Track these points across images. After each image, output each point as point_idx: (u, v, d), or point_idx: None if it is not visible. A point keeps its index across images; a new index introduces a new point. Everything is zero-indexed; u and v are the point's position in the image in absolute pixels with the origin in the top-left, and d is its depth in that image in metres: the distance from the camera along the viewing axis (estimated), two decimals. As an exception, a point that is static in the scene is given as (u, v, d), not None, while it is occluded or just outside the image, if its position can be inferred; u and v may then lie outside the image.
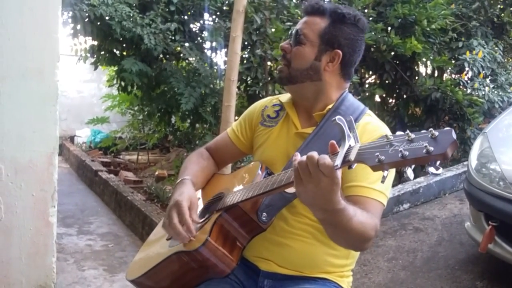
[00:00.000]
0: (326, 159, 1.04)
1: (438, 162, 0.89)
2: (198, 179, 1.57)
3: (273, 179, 1.23)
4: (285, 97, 1.58)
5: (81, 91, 9.69)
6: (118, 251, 3.85)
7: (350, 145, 1.02)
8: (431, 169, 0.90)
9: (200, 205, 1.54)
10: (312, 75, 1.44)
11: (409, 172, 0.93)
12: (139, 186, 5.56)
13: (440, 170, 0.90)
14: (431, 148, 0.87)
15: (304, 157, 1.07)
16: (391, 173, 1.35)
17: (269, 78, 4.74)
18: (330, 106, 1.44)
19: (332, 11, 1.43)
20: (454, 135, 0.88)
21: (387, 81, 5.30)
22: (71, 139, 9.31)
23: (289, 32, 1.51)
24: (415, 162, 0.90)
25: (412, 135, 0.92)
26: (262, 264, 1.44)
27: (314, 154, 1.06)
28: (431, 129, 0.90)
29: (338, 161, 1.01)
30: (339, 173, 1.05)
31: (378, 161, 0.93)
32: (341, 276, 1.46)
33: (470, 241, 3.16)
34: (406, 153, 0.89)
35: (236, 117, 3.29)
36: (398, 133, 0.96)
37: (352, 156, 0.99)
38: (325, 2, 1.48)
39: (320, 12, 1.44)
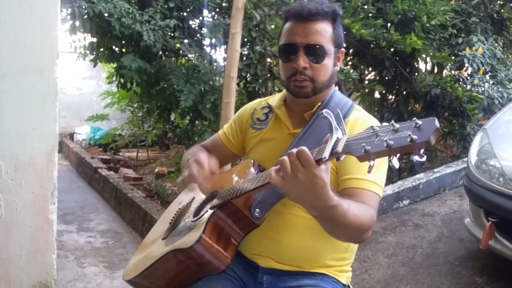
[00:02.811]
0: (306, 153, 1.05)
1: (422, 150, 0.91)
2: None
3: (264, 174, 1.24)
4: (274, 100, 1.58)
5: (81, 88, 9.68)
6: (118, 248, 3.86)
7: (337, 138, 1.03)
8: (416, 157, 0.92)
9: (195, 204, 1.55)
10: (332, 82, 1.46)
11: (395, 161, 0.95)
12: (139, 183, 5.57)
13: (424, 158, 0.92)
14: (415, 137, 0.89)
15: (285, 156, 1.08)
16: (384, 164, 1.36)
17: (269, 75, 4.73)
18: (319, 103, 1.46)
19: (332, 12, 1.41)
20: (437, 123, 0.90)
21: (386, 78, 5.30)
22: (71, 136, 9.31)
23: (291, 45, 1.40)
24: (400, 151, 0.92)
25: (397, 125, 0.94)
26: (261, 261, 1.44)
27: (294, 150, 1.07)
28: (415, 118, 0.92)
29: (326, 153, 1.02)
30: (324, 167, 1.06)
31: (364, 151, 0.95)
32: (340, 271, 1.46)
33: (470, 237, 3.17)
34: (391, 142, 0.91)
35: (236, 114, 3.29)
36: (384, 124, 0.98)
37: (339, 148, 1.01)
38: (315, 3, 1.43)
39: (324, 16, 1.40)
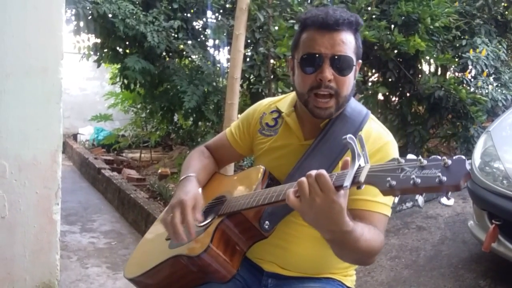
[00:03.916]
0: (325, 178, 1.02)
1: (449, 193, 0.88)
2: (201, 176, 1.55)
3: (278, 189, 1.21)
4: (283, 105, 1.52)
5: (84, 89, 9.70)
6: (121, 249, 3.86)
7: (360, 165, 1.00)
8: (443, 200, 0.90)
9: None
10: (351, 95, 1.39)
11: (420, 200, 0.93)
12: (142, 184, 5.57)
13: (452, 201, 0.89)
14: (444, 178, 0.86)
15: (304, 178, 1.05)
16: None
17: (272, 76, 4.73)
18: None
19: (355, 23, 1.33)
20: (467, 166, 0.87)
21: (390, 79, 5.29)
22: (74, 137, 9.33)
23: (316, 55, 1.30)
24: (426, 191, 0.89)
25: (424, 161, 0.90)
26: (266, 265, 1.44)
27: (313, 172, 1.04)
28: (444, 157, 0.88)
29: (348, 182, 0.99)
30: (343, 192, 1.04)
31: (389, 186, 0.92)
32: (345, 275, 1.46)
33: (473, 239, 3.16)
34: (418, 180, 0.88)
35: (239, 115, 3.29)
36: (409, 156, 0.95)
37: (362, 178, 0.98)
38: (337, 10, 1.34)
39: (348, 27, 1.31)
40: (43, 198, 2.50)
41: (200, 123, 5.92)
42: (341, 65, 1.30)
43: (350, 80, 1.34)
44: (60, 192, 2.55)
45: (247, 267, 1.44)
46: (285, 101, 1.54)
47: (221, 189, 1.50)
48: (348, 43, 1.31)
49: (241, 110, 3.84)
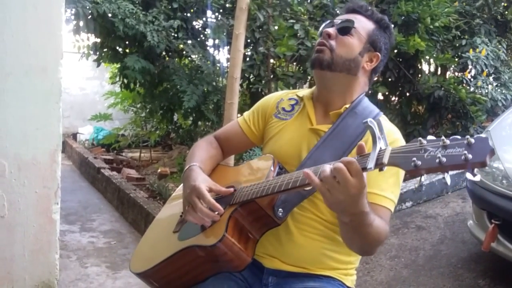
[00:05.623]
0: (356, 164, 1.04)
1: (475, 169, 0.89)
2: (206, 167, 1.54)
3: (293, 176, 1.21)
4: (303, 92, 1.58)
5: (84, 88, 9.71)
6: (120, 248, 3.86)
7: (381, 148, 1.02)
8: (469, 175, 0.91)
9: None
10: (352, 68, 1.44)
11: (448, 178, 0.93)
12: (142, 183, 5.57)
13: (478, 177, 0.91)
14: (470, 156, 0.87)
15: (328, 171, 1.07)
16: (401, 181, 1.37)
17: (272, 76, 4.73)
18: (347, 105, 1.45)
19: (380, 18, 1.48)
20: (491, 143, 0.89)
21: (390, 79, 5.29)
22: (74, 136, 9.33)
23: (327, 19, 1.55)
24: (452, 169, 0.90)
25: (447, 141, 0.91)
26: (266, 261, 1.44)
27: (341, 165, 1.05)
28: (467, 136, 0.90)
29: (371, 164, 1.01)
30: (365, 175, 1.07)
31: (414, 165, 0.93)
32: (346, 274, 1.46)
33: (473, 239, 3.16)
34: (444, 159, 0.90)
35: (239, 115, 3.29)
36: (430, 137, 0.96)
37: (385, 159, 1.00)
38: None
39: (369, 15, 1.48)
40: (43, 198, 2.50)
41: (199, 122, 5.92)
42: (343, 27, 1.44)
43: (350, 45, 1.43)
44: (59, 192, 2.54)
45: (249, 266, 1.43)
46: (304, 91, 1.60)
47: (228, 180, 1.49)
48: (362, 22, 1.45)
49: (240, 110, 3.84)
